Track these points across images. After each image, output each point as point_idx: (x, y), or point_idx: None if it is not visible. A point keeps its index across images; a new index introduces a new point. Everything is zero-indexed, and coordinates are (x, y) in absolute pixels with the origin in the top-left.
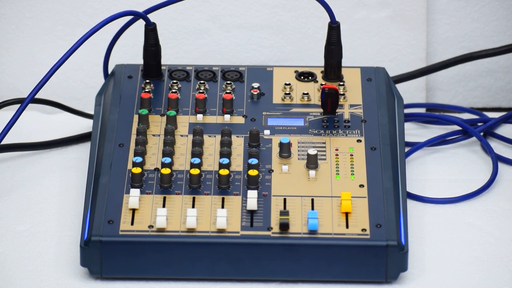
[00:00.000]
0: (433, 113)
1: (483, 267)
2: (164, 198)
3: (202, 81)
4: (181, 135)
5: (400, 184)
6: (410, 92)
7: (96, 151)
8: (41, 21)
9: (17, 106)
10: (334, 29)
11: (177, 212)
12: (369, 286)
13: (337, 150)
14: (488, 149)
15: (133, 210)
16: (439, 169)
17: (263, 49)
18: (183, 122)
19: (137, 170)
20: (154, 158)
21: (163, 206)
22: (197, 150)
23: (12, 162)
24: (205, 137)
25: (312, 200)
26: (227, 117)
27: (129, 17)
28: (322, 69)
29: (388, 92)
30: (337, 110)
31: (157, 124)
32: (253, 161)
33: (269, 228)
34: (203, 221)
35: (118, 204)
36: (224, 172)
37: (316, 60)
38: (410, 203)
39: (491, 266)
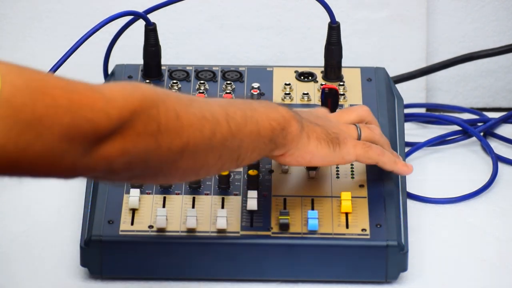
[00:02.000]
0: (433, 113)
1: (483, 267)
2: (164, 198)
3: (202, 81)
4: None
5: (400, 184)
6: (410, 92)
7: None
8: (41, 21)
9: None
10: (334, 29)
11: (177, 212)
12: (369, 286)
13: None
14: (488, 149)
15: (133, 210)
16: (439, 169)
17: (263, 49)
18: None
19: None
20: None
21: (163, 206)
22: None
23: None
24: None
25: (312, 200)
26: None
27: (129, 17)
28: (322, 69)
29: (388, 92)
30: (337, 110)
31: None
32: None
33: (269, 228)
34: (203, 221)
35: (118, 204)
36: (224, 172)
37: (316, 60)
38: (410, 203)
39: (491, 266)
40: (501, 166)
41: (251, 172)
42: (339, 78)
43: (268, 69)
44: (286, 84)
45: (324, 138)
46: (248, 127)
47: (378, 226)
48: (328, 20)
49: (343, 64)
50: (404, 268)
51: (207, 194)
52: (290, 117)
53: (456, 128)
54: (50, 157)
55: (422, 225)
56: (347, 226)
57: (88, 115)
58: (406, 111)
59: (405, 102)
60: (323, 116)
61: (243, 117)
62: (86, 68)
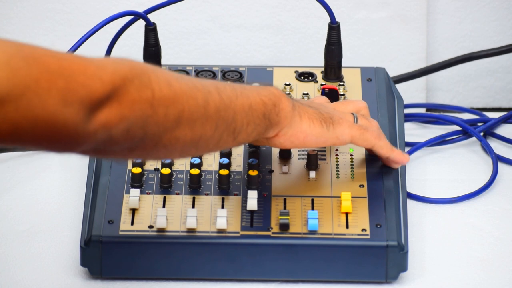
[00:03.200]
0: (433, 113)
1: (483, 267)
2: (164, 198)
3: None
4: None
5: (400, 184)
6: (410, 92)
7: None
8: (41, 21)
9: None
10: (334, 29)
11: (177, 212)
12: (369, 286)
13: (337, 150)
14: (488, 149)
15: (133, 210)
16: (439, 169)
17: (263, 49)
18: None
19: (137, 170)
20: None
21: (163, 206)
22: None
23: (12, 162)
24: None
25: (312, 200)
26: None
27: (129, 17)
28: (322, 69)
29: (388, 92)
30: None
31: None
32: (253, 161)
33: (269, 228)
34: (203, 221)
35: (118, 204)
36: (224, 172)
37: (316, 60)
38: (410, 203)
39: (491, 266)
40: (501, 166)
41: (251, 172)
42: (339, 78)
43: (268, 69)
44: (286, 84)
45: (317, 118)
46: (239, 100)
47: (378, 226)
48: (328, 20)
49: (343, 64)
50: (404, 268)
51: (207, 194)
52: (280, 95)
53: (456, 128)
54: (52, 122)
55: (422, 225)
56: (347, 226)
57: (81, 79)
58: (406, 111)
59: (405, 102)
60: (319, 102)
61: (233, 91)
62: None
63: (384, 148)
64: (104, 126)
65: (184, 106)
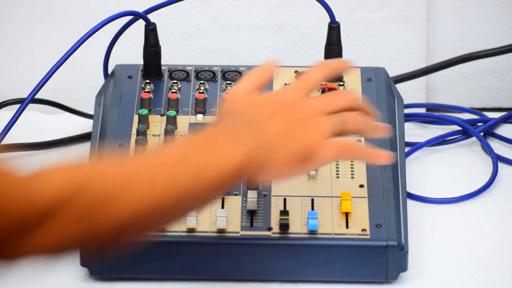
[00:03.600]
0: (433, 113)
1: (483, 267)
2: None
3: (202, 81)
4: (181, 135)
5: (400, 184)
6: (410, 92)
7: (96, 151)
8: (41, 21)
9: (17, 106)
10: (334, 29)
11: None
12: (369, 286)
13: None
14: (488, 149)
15: None
16: (439, 169)
17: (263, 49)
18: (183, 122)
19: None
20: None
21: None
22: None
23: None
24: None
25: (312, 200)
26: None
27: (129, 17)
28: None
29: (388, 92)
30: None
31: (157, 124)
32: None
33: (269, 228)
34: (203, 221)
35: None
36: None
37: (316, 60)
38: (410, 203)
39: (491, 266)
40: (501, 166)
41: None
42: (339, 78)
43: None
44: (286, 84)
45: (296, 158)
46: (194, 191)
47: (378, 226)
48: (328, 20)
49: None
50: (404, 268)
51: None
52: (248, 162)
53: (456, 128)
54: None
55: (422, 225)
56: (347, 226)
57: (14, 205)
58: (406, 111)
59: (405, 102)
60: (300, 112)
61: (187, 188)
62: (86, 68)
63: (366, 160)
64: (39, 249)
65: (126, 221)
